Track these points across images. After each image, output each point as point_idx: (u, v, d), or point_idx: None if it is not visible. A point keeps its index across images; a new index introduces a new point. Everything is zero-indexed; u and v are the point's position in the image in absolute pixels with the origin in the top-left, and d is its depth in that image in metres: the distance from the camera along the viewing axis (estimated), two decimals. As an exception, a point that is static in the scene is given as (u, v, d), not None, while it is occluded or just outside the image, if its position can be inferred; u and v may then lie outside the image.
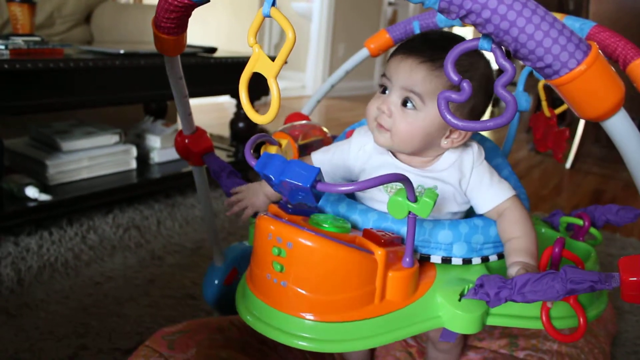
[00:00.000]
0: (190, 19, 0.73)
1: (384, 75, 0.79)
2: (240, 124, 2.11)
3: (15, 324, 1.16)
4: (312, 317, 0.64)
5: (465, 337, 1.00)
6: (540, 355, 0.99)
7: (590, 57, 0.44)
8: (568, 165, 2.98)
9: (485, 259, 0.78)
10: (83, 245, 1.53)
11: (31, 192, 1.51)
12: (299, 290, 0.64)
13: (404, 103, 0.76)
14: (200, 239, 1.66)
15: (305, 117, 1.16)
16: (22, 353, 1.07)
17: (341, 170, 0.86)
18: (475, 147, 0.80)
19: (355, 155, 0.84)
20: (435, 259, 0.75)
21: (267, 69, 0.61)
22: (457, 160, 0.79)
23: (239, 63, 1.92)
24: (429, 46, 0.75)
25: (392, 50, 0.86)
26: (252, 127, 2.08)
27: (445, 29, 1.20)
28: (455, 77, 0.50)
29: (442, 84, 0.73)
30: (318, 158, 0.87)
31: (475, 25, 0.46)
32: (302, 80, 5.22)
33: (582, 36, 1.02)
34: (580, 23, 1.03)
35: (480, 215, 0.81)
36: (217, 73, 1.91)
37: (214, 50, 1.95)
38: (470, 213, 0.84)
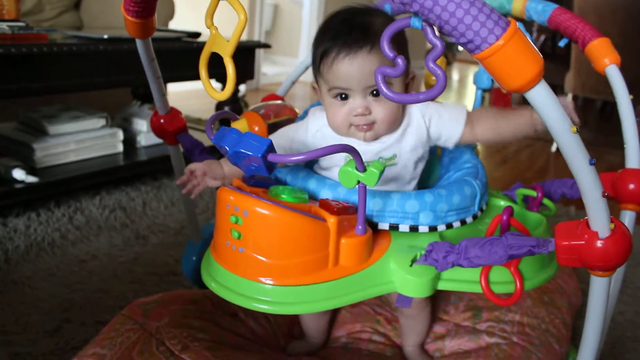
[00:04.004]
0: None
1: (335, 87, 0.81)
2: (226, 108, 2.14)
3: (2, 300, 1.21)
4: (270, 282, 0.68)
5: (431, 307, 1.04)
6: (501, 326, 1.03)
7: (508, 32, 0.48)
8: (554, 148, 3.02)
9: (449, 226, 0.82)
10: (70, 226, 1.57)
11: (18, 174, 1.55)
12: (256, 255, 0.68)
13: (372, 94, 0.81)
14: (185, 219, 1.69)
15: (280, 98, 1.20)
16: (9, 326, 1.12)
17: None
18: None
19: (312, 138, 0.88)
20: (404, 227, 0.79)
21: (223, 49, 0.66)
22: (409, 117, 0.86)
23: (223, 47, 1.94)
24: (363, 32, 0.80)
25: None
26: (238, 111, 2.11)
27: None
28: (390, 54, 0.53)
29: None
30: (277, 143, 0.91)
31: (403, 4, 0.49)
32: (294, 65, 5.21)
33: (545, 18, 1.06)
34: (542, 5, 1.06)
35: (443, 185, 0.85)
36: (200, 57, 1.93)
37: (197, 35, 1.97)
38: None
